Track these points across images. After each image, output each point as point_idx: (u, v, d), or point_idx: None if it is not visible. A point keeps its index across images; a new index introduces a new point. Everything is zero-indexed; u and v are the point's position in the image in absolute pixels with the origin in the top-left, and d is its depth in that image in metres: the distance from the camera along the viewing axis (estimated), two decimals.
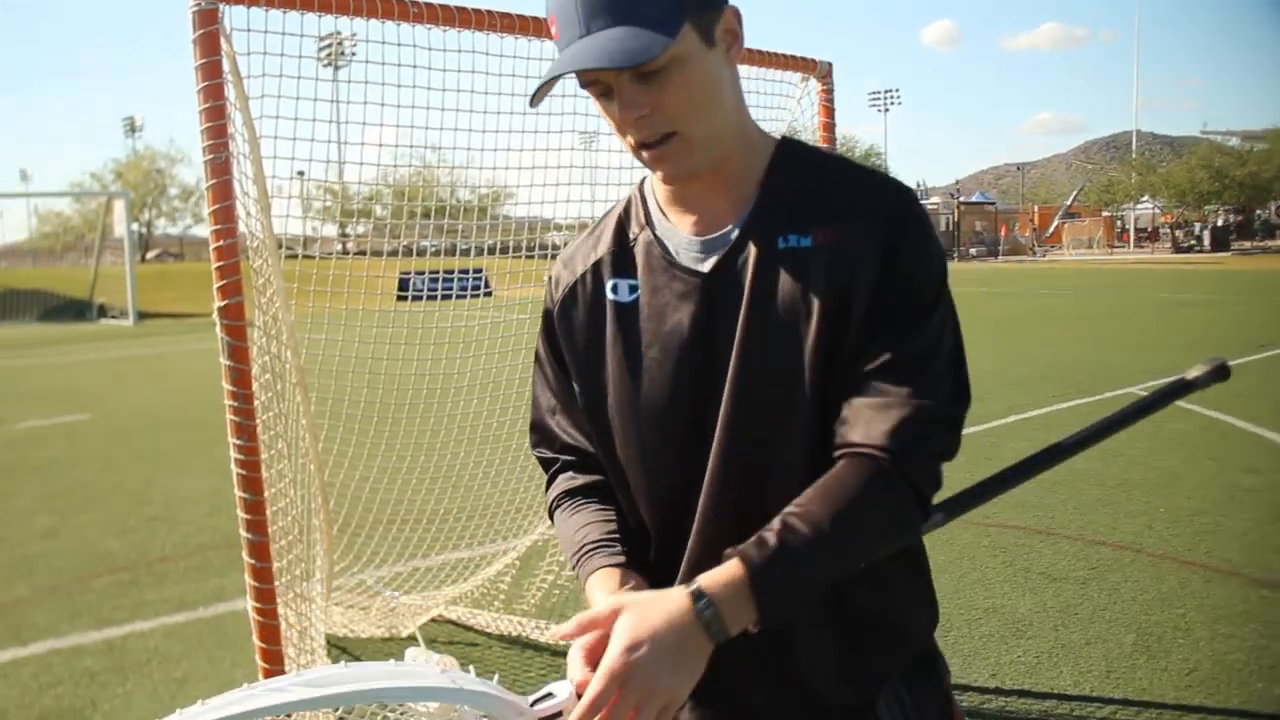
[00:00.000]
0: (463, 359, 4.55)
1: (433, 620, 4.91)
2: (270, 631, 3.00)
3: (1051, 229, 67.65)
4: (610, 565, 1.45)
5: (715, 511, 1.41)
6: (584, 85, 1.35)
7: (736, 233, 1.41)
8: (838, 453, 1.34)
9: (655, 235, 1.47)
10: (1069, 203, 73.01)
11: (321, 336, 4.09)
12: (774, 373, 1.37)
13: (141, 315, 33.28)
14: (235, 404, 2.89)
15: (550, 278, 1.60)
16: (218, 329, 2.87)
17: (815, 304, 1.34)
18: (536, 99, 1.36)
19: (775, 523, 1.27)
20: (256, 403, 3.02)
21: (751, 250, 1.39)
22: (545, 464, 1.67)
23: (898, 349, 1.32)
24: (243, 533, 2.87)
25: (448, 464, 4.68)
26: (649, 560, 1.50)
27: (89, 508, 7.71)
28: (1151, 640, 4.46)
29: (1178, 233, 59.53)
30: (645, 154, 1.37)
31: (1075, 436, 1.79)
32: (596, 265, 1.52)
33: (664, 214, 1.48)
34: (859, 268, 1.33)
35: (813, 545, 1.26)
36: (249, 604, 3.02)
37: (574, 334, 1.54)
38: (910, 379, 1.32)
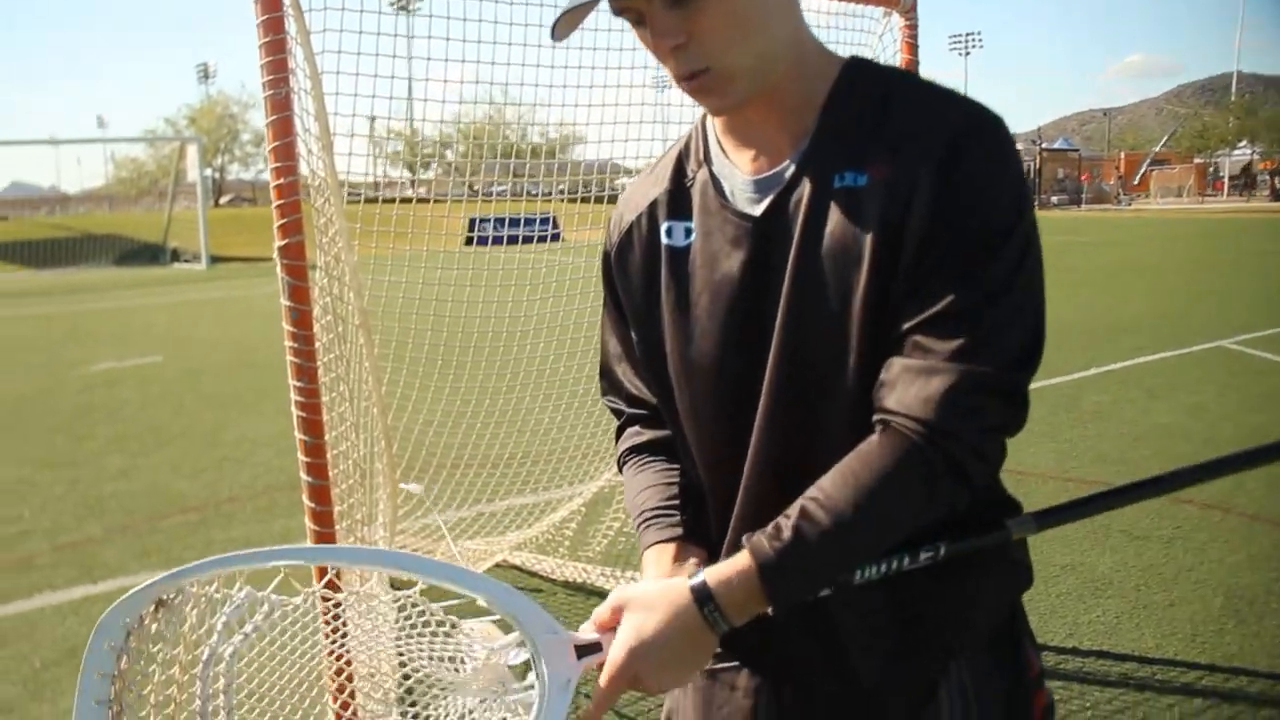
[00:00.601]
0: (530, 301, 4.49)
1: (496, 565, 4.88)
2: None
3: (1138, 176, 65.51)
4: (665, 540, 1.40)
5: (761, 471, 1.32)
6: (617, 13, 1.23)
7: (791, 169, 1.28)
8: (875, 418, 1.21)
9: (712, 173, 1.36)
10: (1158, 148, 70.81)
11: (385, 279, 4.05)
12: (822, 325, 1.24)
13: (214, 259, 33.85)
14: (295, 345, 2.82)
15: (611, 218, 1.50)
16: (278, 269, 2.80)
17: (867, 247, 1.20)
18: (559, 31, 1.24)
19: (794, 508, 1.19)
20: (317, 344, 2.95)
21: (806, 189, 1.25)
22: (615, 414, 1.60)
23: (949, 298, 1.16)
24: (303, 476, 2.81)
25: (513, 408, 4.65)
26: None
27: (160, 448, 7.82)
28: (1241, 604, 4.27)
29: (1277, 180, 57.05)
30: (685, 86, 1.25)
31: (1199, 466, 1.39)
32: (652, 206, 1.41)
33: (722, 149, 1.36)
34: (913, 202, 1.18)
35: (830, 535, 1.17)
36: None
37: (630, 280, 1.45)
38: (960, 334, 1.15)
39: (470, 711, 1.33)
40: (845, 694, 1.39)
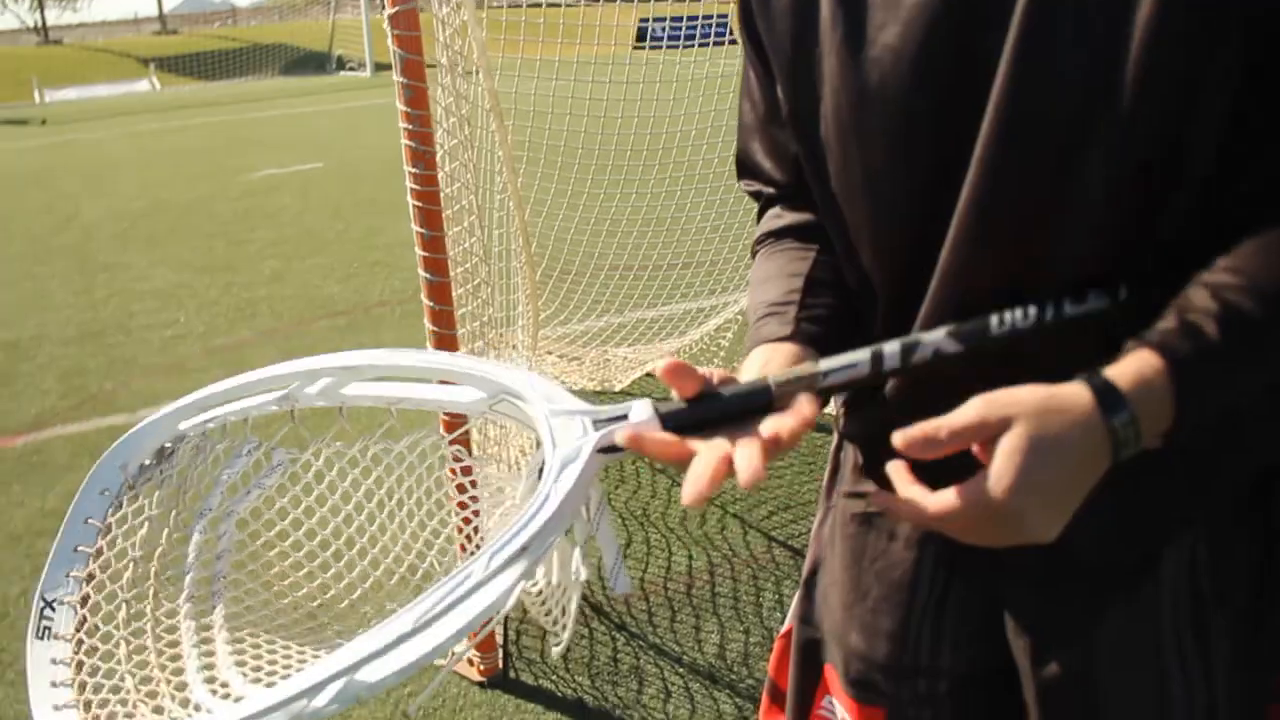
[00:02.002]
0: (691, 100, 4.27)
1: (647, 375, 4.61)
2: None
3: None
4: (781, 339, 1.03)
5: (961, 270, 0.94)
6: None
7: None
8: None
9: None
10: None
11: (553, 79, 3.92)
12: (1068, 87, 0.84)
13: (378, 66, 33.88)
14: (410, 127, 2.50)
15: None
16: (389, 39, 2.44)
17: None
18: None
19: (1201, 296, 0.83)
20: (439, 130, 2.61)
21: None
22: (754, 197, 1.23)
23: None
24: (421, 272, 2.52)
25: (671, 214, 4.47)
26: (858, 319, 1.08)
27: (314, 253, 7.82)
28: None
29: None
30: None
31: None
32: None
33: None
34: None
35: (1261, 331, 0.82)
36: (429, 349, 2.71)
37: (776, 19, 1.03)
38: None
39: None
40: (1035, 555, 1.01)
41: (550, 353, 4.67)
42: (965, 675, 1.17)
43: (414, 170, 2.51)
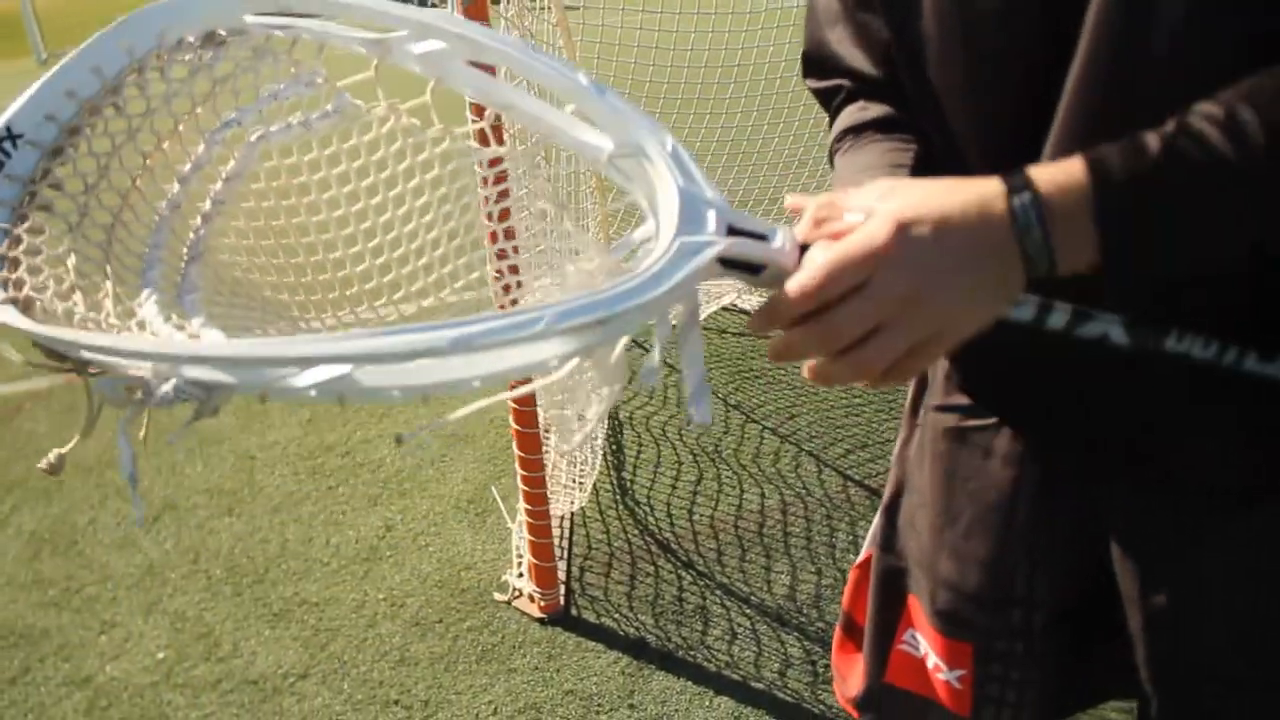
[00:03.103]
0: (765, 32, 4.15)
1: (724, 309, 4.51)
2: None
3: None
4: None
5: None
6: None
7: None
8: None
9: None
10: None
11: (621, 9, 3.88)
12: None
13: None
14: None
15: None
16: None
17: None
18: None
19: (1168, 123, 0.68)
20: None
21: None
22: (826, 97, 1.08)
23: None
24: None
25: (758, 148, 4.39)
26: None
27: None
28: None
29: None
30: None
31: None
32: None
33: None
34: None
35: (1221, 168, 0.66)
36: None
37: None
38: None
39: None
40: (1149, 470, 0.93)
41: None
42: (1062, 606, 1.06)
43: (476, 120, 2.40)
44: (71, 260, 0.71)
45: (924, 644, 1.13)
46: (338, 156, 0.89)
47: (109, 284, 0.72)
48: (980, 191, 0.69)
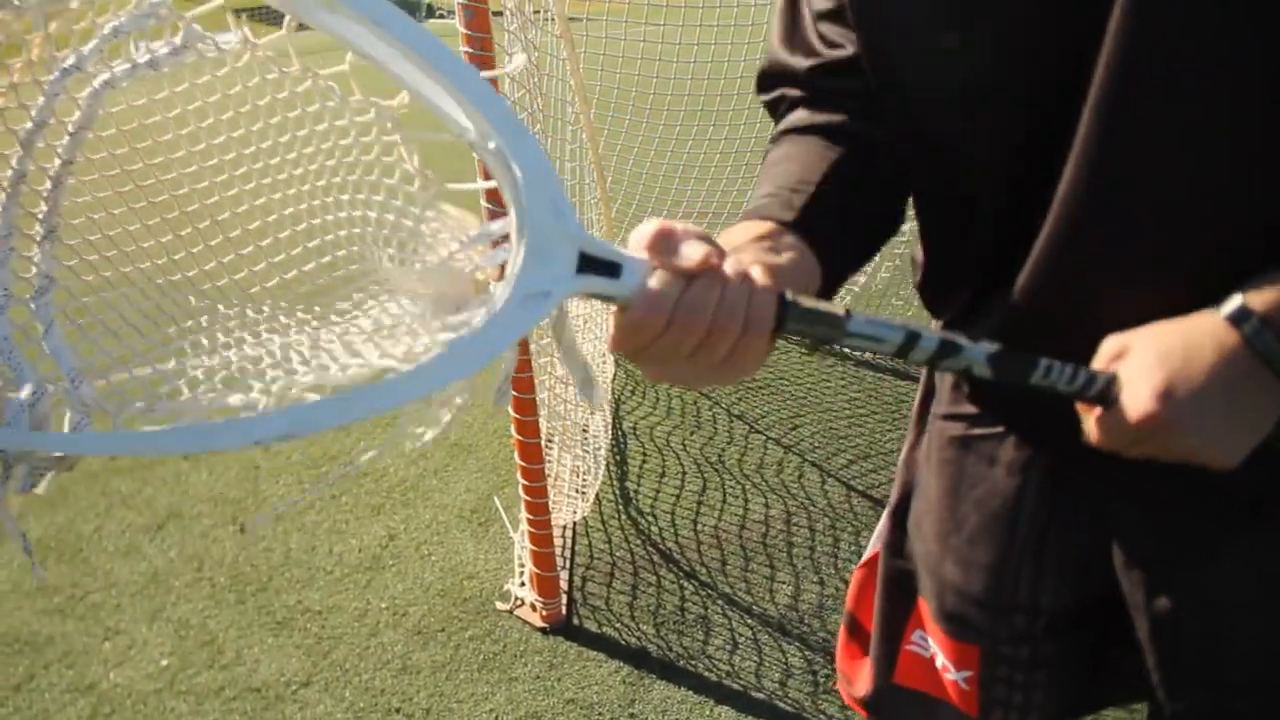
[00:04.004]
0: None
1: None
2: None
3: None
4: (769, 218, 0.87)
5: (1075, 207, 0.80)
6: None
7: None
8: None
9: None
10: None
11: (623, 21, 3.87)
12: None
13: None
14: (470, 50, 2.36)
15: None
16: None
17: None
18: None
19: None
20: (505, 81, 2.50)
21: None
22: (773, 107, 1.05)
23: None
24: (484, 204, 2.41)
25: (760, 159, 4.22)
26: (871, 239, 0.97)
27: None
28: None
29: None
30: None
31: None
32: None
33: None
34: None
35: None
36: None
37: None
38: None
39: (394, 325, 0.79)
40: (1153, 478, 0.90)
41: None
42: (1066, 612, 1.06)
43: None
44: None
45: (933, 645, 1.13)
46: (192, 94, 0.79)
47: None
48: (1199, 325, 0.75)
